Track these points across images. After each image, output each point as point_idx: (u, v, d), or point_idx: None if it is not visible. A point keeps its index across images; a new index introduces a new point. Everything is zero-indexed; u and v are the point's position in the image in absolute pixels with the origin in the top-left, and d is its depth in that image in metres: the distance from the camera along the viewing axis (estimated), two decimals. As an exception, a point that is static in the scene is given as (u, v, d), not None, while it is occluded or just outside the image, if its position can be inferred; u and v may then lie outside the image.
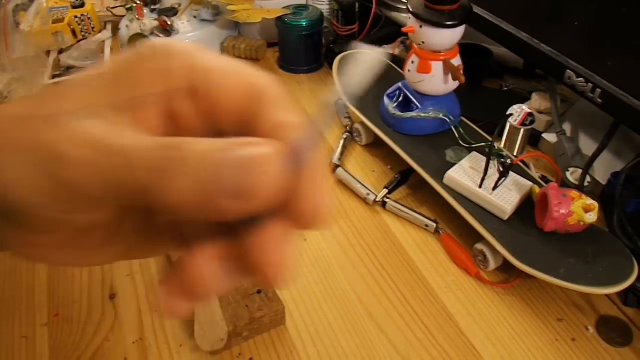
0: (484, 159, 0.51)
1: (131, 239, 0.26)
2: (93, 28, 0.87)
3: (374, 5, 0.79)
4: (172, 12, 0.86)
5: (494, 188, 0.50)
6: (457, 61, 0.56)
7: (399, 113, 0.58)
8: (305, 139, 0.19)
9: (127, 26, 0.84)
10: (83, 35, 0.87)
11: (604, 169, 0.57)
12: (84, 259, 0.26)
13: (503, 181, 0.50)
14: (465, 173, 0.52)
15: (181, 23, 0.85)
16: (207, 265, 0.19)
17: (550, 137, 0.63)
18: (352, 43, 0.60)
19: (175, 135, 0.20)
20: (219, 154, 0.18)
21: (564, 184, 0.57)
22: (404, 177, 0.58)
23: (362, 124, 0.63)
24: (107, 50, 0.85)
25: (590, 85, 0.51)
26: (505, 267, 0.49)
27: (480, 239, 0.49)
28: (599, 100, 0.51)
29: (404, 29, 0.55)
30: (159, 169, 0.18)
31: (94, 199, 0.20)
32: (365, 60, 0.19)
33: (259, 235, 0.19)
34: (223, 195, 0.18)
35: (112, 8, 0.92)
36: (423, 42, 0.55)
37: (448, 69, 0.55)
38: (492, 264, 0.49)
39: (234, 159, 0.18)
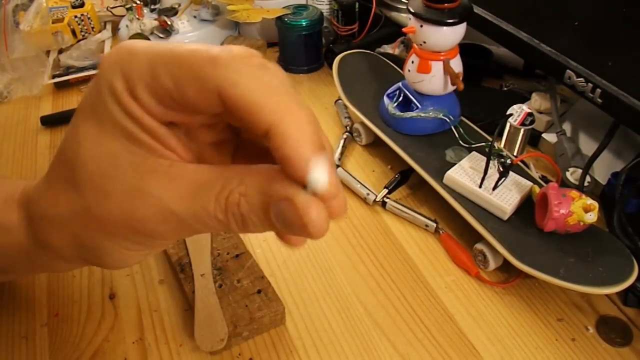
0: (484, 158, 0.51)
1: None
2: (93, 28, 0.87)
3: (374, 5, 0.79)
4: (172, 12, 0.86)
5: (494, 188, 0.50)
6: (458, 67, 0.56)
7: (398, 113, 0.58)
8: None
9: (127, 26, 0.84)
10: (83, 35, 0.87)
11: (604, 169, 0.57)
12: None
13: (503, 181, 0.50)
14: (465, 173, 0.52)
15: (181, 23, 0.85)
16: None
17: (550, 137, 0.63)
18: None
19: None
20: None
21: (564, 184, 0.57)
22: (404, 177, 0.58)
23: (362, 124, 0.63)
24: (107, 50, 0.84)
25: (590, 85, 0.51)
26: (505, 267, 0.49)
27: (480, 239, 0.49)
28: (599, 100, 0.51)
29: (404, 29, 0.55)
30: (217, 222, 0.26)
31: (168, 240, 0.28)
32: None
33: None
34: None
35: (112, 8, 0.92)
36: (424, 42, 0.54)
37: (447, 72, 0.55)
38: (492, 264, 0.49)
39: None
